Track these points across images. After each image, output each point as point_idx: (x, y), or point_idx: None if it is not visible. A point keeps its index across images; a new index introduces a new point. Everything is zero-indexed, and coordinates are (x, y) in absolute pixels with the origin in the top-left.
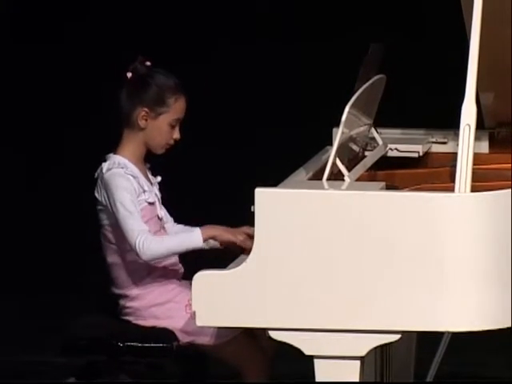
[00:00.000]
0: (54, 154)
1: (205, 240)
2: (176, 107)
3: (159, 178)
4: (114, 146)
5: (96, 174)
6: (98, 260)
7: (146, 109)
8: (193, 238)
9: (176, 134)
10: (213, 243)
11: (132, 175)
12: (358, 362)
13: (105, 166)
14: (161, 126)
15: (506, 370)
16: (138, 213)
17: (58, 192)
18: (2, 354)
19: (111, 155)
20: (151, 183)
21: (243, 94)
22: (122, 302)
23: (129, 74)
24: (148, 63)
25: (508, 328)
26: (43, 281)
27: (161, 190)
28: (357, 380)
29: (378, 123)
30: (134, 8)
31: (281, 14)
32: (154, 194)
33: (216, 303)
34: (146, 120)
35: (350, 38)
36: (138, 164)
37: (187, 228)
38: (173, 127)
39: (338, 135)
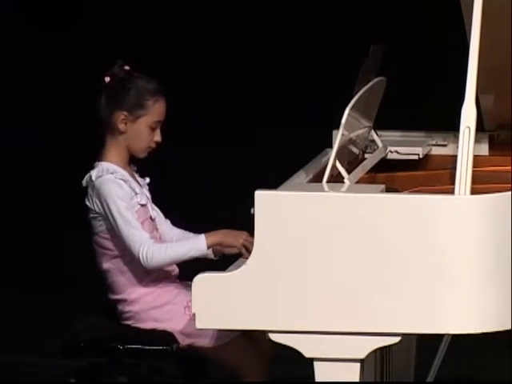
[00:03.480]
0: (54, 156)
1: (209, 247)
2: (155, 110)
3: (148, 180)
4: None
5: (85, 183)
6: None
7: (124, 112)
8: (197, 245)
9: (157, 137)
10: (210, 253)
11: (123, 179)
12: (357, 365)
13: (93, 173)
14: (140, 129)
15: (506, 373)
16: (136, 219)
17: (60, 191)
18: (2, 354)
19: (98, 163)
20: (140, 185)
21: (243, 95)
22: (120, 307)
23: (107, 79)
24: (127, 67)
25: (508, 330)
26: (44, 281)
27: (161, 192)
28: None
29: (378, 125)
30: (128, 9)
31: (281, 13)
32: (144, 195)
33: (216, 305)
34: (126, 123)
35: (350, 39)
36: (126, 168)
37: (187, 234)
38: (153, 130)
39: (338, 137)
